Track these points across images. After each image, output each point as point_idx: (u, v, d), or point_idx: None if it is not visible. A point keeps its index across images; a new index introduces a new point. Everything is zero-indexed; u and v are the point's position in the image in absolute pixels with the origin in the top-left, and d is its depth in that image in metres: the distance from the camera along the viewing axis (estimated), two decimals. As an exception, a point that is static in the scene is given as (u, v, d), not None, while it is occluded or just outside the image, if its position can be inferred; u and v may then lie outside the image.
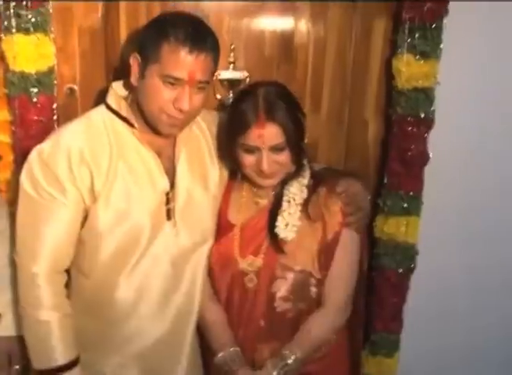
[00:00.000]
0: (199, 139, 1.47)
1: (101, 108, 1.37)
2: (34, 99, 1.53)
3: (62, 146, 1.27)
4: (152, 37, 1.27)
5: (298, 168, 1.44)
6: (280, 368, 1.37)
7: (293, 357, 1.38)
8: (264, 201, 1.47)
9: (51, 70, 1.58)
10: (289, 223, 1.38)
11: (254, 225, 1.45)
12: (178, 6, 1.75)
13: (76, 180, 1.27)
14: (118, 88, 1.38)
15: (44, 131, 1.53)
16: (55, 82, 1.61)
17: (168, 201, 1.38)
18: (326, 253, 1.43)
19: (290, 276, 1.42)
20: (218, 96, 1.85)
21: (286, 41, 1.87)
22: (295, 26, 1.87)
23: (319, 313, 1.43)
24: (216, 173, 1.47)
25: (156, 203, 1.36)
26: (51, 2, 1.58)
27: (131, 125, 1.33)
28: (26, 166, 1.30)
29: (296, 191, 1.41)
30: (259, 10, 1.84)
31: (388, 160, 1.84)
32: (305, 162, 1.46)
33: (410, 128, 1.75)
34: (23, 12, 1.50)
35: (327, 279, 1.44)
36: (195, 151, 1.44)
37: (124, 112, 1.33)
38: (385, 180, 1.85)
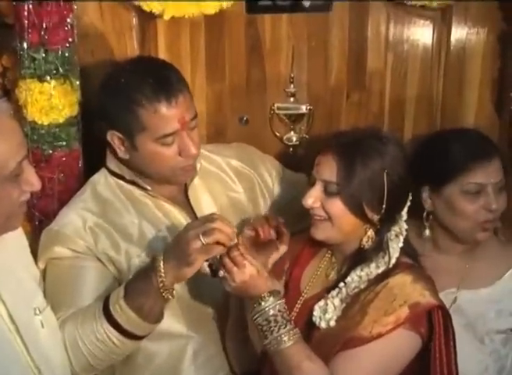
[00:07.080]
0: (216, 175, 1.47)
1: (104, 172, 1.38)
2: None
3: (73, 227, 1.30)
4: (124, 110, 1.26)
5: (376, 250, 1.22)
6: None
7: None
8: (334, 277, 1.31)
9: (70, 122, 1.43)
10: (327, 312, 1.20)
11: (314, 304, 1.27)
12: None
13: (99, 253, 1.30)
14: (111, 155, 1.38)
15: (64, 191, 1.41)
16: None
17: None
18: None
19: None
20: (278, 134, 1.73)
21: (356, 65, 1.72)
22: (367, 48, 1.69)
23: None
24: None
25: None
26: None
27: (141, 187, 1.36)
28: (42, 250, 1.30)
29: (355, 280, 1.22)
30: (322, 31, 1.68)
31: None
32: (388, 248, 1.23)
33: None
34: (38, 56, 1.34)
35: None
36: (216, 188, 1.44)
37: (127, 176, 1.36)
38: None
